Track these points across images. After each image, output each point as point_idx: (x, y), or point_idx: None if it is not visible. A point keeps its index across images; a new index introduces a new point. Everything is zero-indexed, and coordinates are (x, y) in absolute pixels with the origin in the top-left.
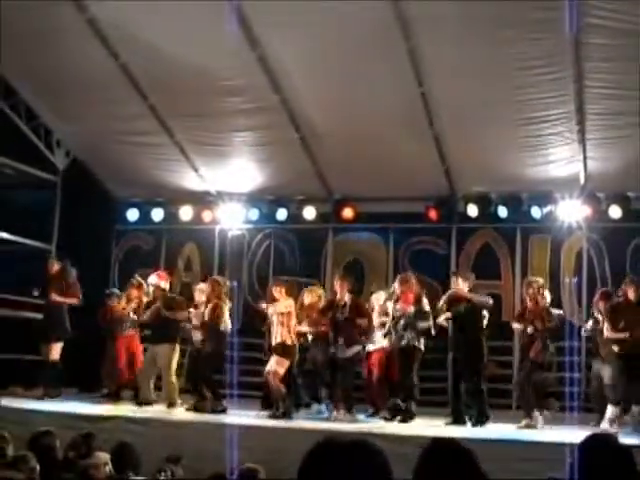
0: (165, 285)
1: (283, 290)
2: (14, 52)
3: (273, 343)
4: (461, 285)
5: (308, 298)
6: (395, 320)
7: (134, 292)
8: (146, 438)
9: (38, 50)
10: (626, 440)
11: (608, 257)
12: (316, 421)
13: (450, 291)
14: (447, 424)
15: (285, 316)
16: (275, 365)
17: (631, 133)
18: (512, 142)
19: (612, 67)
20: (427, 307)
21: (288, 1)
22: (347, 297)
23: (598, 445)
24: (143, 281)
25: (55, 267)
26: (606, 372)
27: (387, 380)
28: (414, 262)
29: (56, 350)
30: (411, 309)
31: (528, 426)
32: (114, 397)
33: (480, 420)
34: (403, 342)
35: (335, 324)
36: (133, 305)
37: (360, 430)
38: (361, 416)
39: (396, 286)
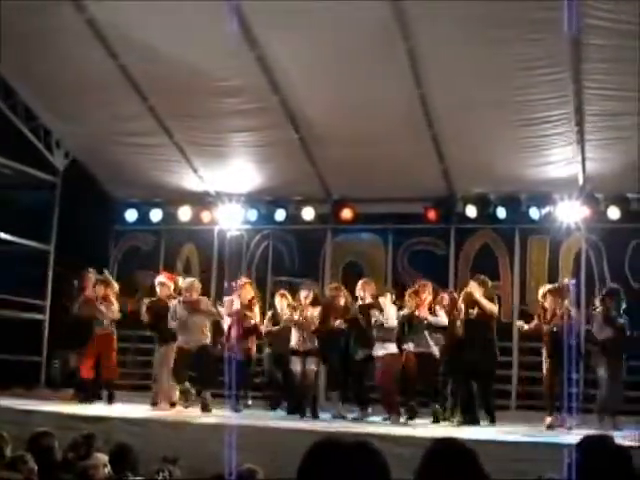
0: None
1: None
2: (13, 52)
3: (301, 348)
4: (473, 289)
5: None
6: (414, 326)
7: (101, 290)
8: (144, 439)
9: (37, 50)
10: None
11: (607, 258)
12: (315, 422)
13: (463, 293)
14: (459, 424)
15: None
16: (315, 365)
17: (630, 134)
18: (511, 143)
19: (611, 68)
20: (443, 318)
21: (287, 1)
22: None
23: (595, 446)
24: (110, 277)
25: (93, 279)
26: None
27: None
28: (413, 263)
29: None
30: (429, 317)
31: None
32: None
33: (490, 420)
34: (422, 348)
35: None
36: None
37: (359, 431)
38: (377, 418)
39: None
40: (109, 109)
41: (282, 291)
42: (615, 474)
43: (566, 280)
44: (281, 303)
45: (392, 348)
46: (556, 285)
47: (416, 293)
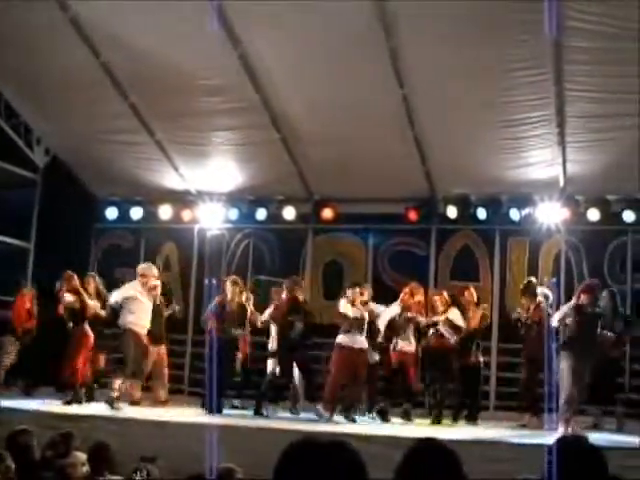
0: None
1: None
2: None
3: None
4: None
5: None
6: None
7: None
8: (123, 438)
9: (19, 48)
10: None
11: (586, 260)
12: (296, 421)
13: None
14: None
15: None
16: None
17: (611, 136)
18: (492, 144)
19: (592, 70)
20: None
21: (270, 1)
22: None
23: (569, 447)
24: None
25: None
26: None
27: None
28: (393, 263)
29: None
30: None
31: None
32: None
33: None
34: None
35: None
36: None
37: (337, 431)
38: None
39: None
40: (91, 107)
41: (234, 277)
42: (589, 475)
43: (545, 279)
44: (232, 289)
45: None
46: (524, 282)
47: (411, 294)
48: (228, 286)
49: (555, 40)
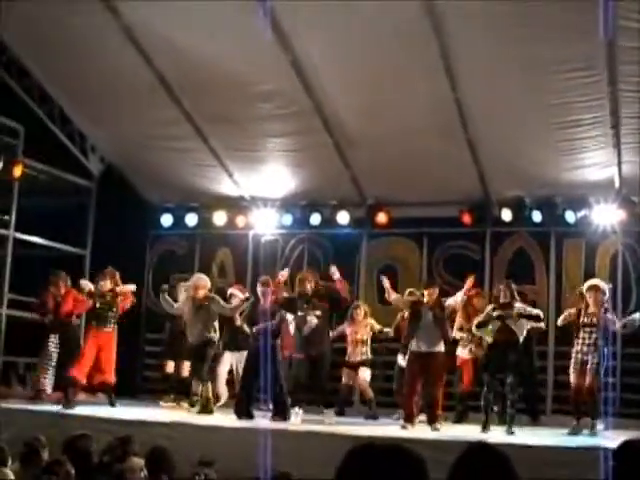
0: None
1: (362, 312)
2: (49, 59)
3: (358, 359)
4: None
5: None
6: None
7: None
8: (180, 442)
9: (73, 56)
10: None
11: None
12: (351, 426)
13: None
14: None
15: (368, 335)
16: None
17: None
18: (546, 146)
19: None
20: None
21: (321, 2)
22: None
23: (633, 451)
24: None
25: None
26: None
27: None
28: (448, 267)
29: (170, 366)
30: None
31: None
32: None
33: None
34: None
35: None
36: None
37: (396, 435)
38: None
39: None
40: (144, 114)
41: (263, 278)
42: None
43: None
44: (261, 290)
45: None
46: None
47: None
48: (258, 287)
49: (609, 40)
